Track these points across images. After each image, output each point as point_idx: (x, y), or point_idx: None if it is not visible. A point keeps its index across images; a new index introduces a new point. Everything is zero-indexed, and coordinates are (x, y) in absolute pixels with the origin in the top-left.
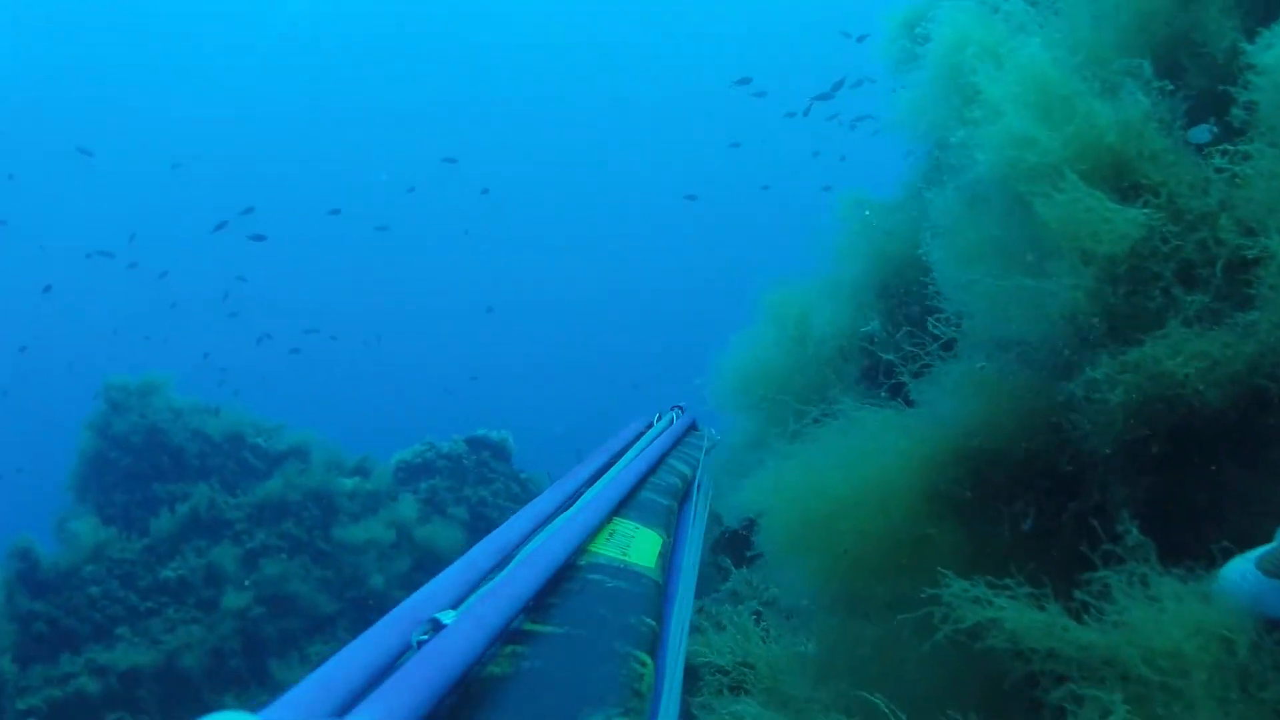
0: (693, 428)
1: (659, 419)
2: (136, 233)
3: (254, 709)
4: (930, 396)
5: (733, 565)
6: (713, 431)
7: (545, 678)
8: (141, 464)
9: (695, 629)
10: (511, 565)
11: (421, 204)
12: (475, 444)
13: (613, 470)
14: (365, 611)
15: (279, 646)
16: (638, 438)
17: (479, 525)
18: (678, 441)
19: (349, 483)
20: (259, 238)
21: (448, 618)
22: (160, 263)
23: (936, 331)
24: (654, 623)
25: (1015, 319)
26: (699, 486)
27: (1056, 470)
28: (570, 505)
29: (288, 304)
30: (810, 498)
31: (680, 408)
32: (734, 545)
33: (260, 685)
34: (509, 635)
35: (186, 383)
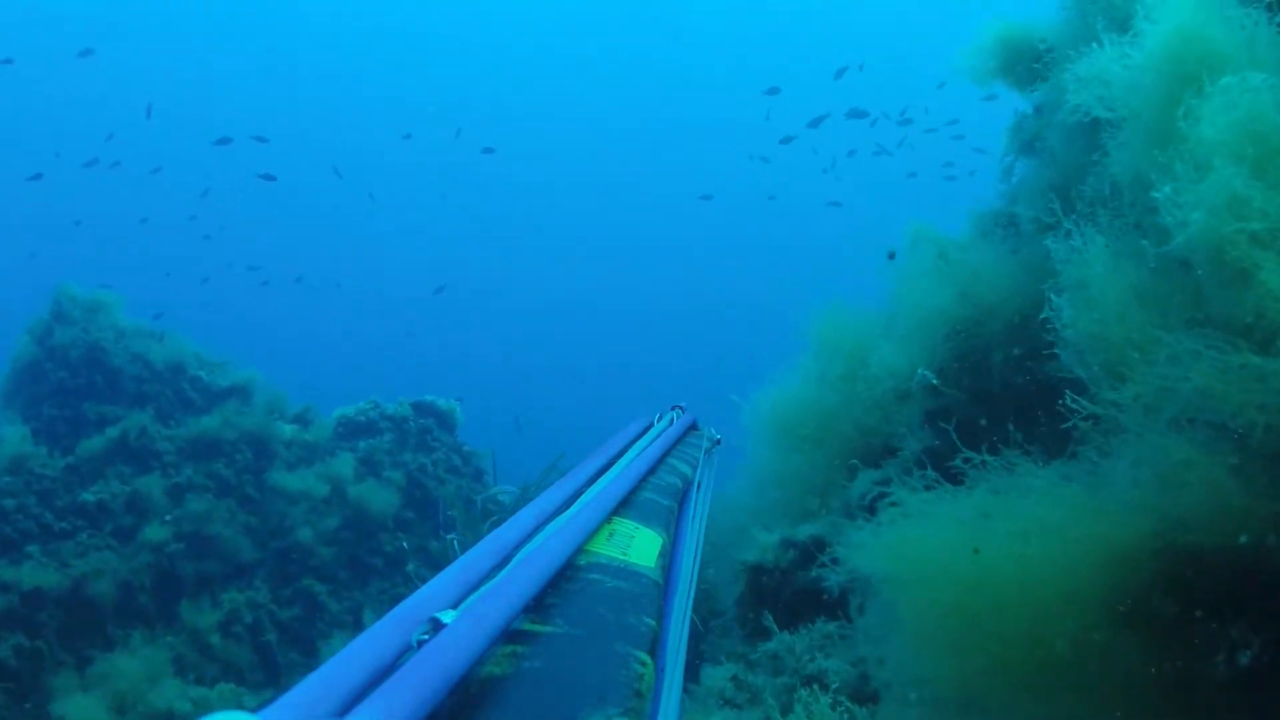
0: (693, 428)
1: (659, 419)
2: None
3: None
4: (1110, 473)
5: (775, 625)
6: (712, 431)
7: (545, 678)
8: (76, 380)
9: (731, 704)
10: (511, 565)
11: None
12: (421, 409)
13: (613, 470)
14: (286, 564)
15: (193, 588)
16: (638, 438)
17: (414, 493)
18: (678, 441)
19: (288, 429)
20: (269, 177)
21: (448, 618)
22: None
23: (1074, 402)
24: (654, 622)
25: (1230, 398)
26: (699, 486)
27: None
28: (570, 505)
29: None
30: (957, 577)
31: (680, 408)
32: (761, 596)
33: (167, 625)
34: (509, 635)
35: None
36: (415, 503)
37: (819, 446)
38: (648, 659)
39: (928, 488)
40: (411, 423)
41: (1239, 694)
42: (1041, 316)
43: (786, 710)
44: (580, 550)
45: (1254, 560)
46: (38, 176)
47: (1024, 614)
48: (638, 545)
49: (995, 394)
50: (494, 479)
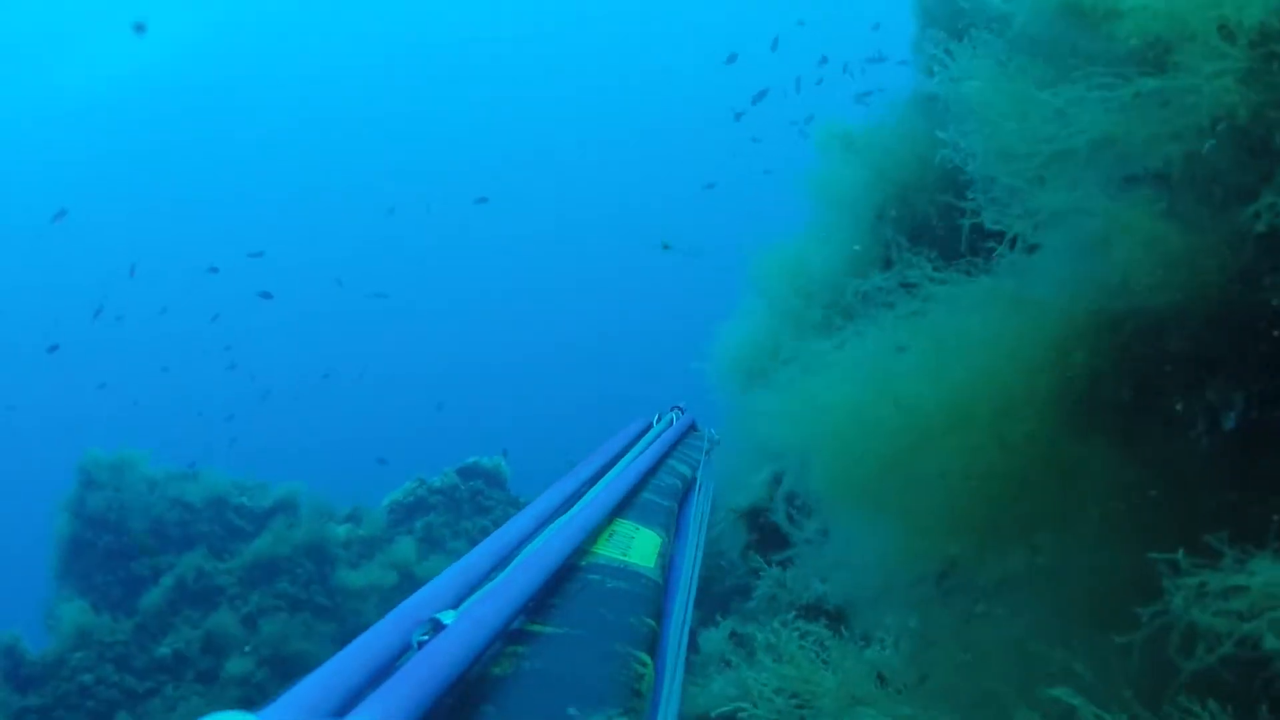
0: (692, 428)
1: (659, 420)
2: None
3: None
4: (1042, 265)
5: (764, 562)
6: (712, 432)
7: (545, 678)
8: (121, 541)
9: (731, 666)
10: (512, 566)
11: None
12: (467, 473)
13: (613, 471)
14: None
15: None
16: (638, 438)
17: None
18: (678, 442)
19: (342, 530)
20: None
21: (448, 618)
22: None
23: (994, 222)
24: (654, 623)
25: (1135, 135)
26: (699, 487)
27: (1260, 335)
28: (570, 506)
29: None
30: (877, 421)
31: (680, 408)
32: (764, 538)
33: None
34: (509, 635)
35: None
36: None
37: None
38: (648, 659)
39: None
40: (461, 489)
41: (1231, 461)
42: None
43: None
44: (580, 551)
45: (1217, 309)
46: (54, 348)
47: (961, 446)
48: (638, 546)
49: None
50: None
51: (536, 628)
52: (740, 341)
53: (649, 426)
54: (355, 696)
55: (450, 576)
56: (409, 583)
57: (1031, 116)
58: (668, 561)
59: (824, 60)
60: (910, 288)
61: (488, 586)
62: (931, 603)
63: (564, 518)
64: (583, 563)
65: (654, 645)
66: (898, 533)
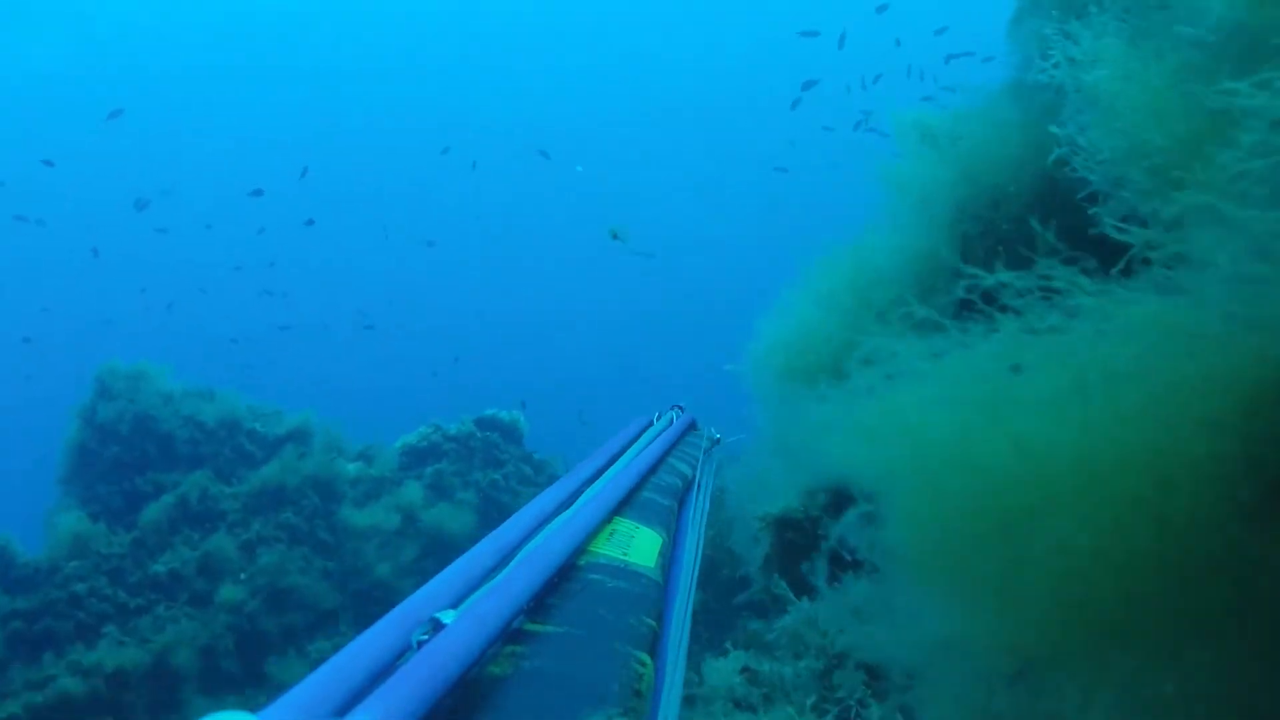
0: (692, 427)
1: (659, 418)
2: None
3: (254, 709)
4: (1198, 289)
5: (790, 590)
6: (712, 431)
7: (545, 678)
8: (129, 454)
9: (743, 705)
10: (512, 565)
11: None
12: (484, 424)
13: (613, 470)
14: (370, 604)
15: (278, 643)
16: (638, 437)
17: (489, 510)
18: (678, 441)
19: (352, 468)
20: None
21: (448, 618)
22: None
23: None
24: (654, 623)
25: None
26: (699, 486)
27: None
28: (570, 505)
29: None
30: (985, 463)
31: (680, 407)
32: (789, 553)
33: (256, 687)
34: (509, 635)
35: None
36: (491, 520)
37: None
38: (648, 659)
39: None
40: (476, 439)
41: None
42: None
43: (820, 712)
44: (580, 550)
45: None
46: (95, 252)
47: (1099, 516)
48: (638, 545)
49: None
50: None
51: (536, 627)
52: (785, 339)
53: (649, 425)
54: (355, 696)
55: (450, 576)
56: (411, 527)
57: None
58: (668, 561)
59: (898, 42)
60: (1049, 293)
61: (488, 586)
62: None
63: (564, 517)
64: (583, 562)
65: (654, 645)
66: (985, 609)
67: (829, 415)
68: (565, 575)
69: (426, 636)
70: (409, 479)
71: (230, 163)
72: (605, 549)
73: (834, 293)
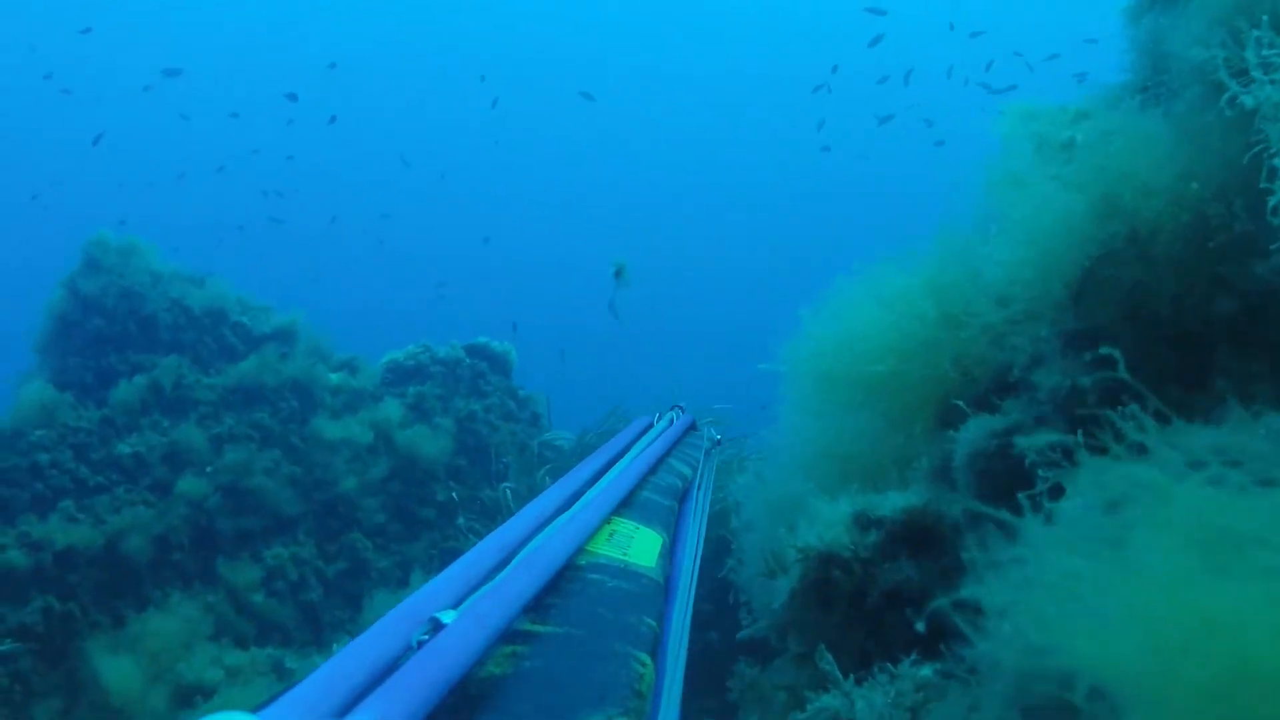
0: (692, 427)
1: (659, 419)
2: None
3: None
4: None
5: (836, 667)
6: (712, 432)
7: (545, 678)
8: (111, 329)
9: None
10: (512, 565)
11: None
12: (474, 351)
13: (613, 470)
14: (331, 518)
15: (232, 545)
16: (638, 438)
17: (467, 440)
18: (678, 441)
19: (334, 377)
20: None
21: (448, 618)
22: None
23: None
24: (654, 623)
25: None
26: (699, 486)
27: None
28: (571, 505)
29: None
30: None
31: (680, 408)
32: (827, 601)
33: (206, 583)
34: (509, 635)
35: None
36: (468, 450)
37: (893, 395)
38: (648, 659)
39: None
40: (464, 366)
41: None
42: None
43: None
44: (580, 550)
45: None
46: (99, 138)
47: None
48: (638, 545)
49: (1175, 325)
50: (549, 423)
51: (536, 627)
52: (836, 341)
53: (649, 426)
54: (355, 696)
55: (450, 576)
56: (384, 445)
57: None
58: (668, 561)
59: (952, 26)
60: None
61: (488, 586)
62: None
63: (564, 517)
64: (583, 562)
65: (654, 645)
66: None
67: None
68: (565, 575)
69: (426, 636)
70: (390, 396)
71: (263, 55)
72: (605, 549)
73: (908, 297)
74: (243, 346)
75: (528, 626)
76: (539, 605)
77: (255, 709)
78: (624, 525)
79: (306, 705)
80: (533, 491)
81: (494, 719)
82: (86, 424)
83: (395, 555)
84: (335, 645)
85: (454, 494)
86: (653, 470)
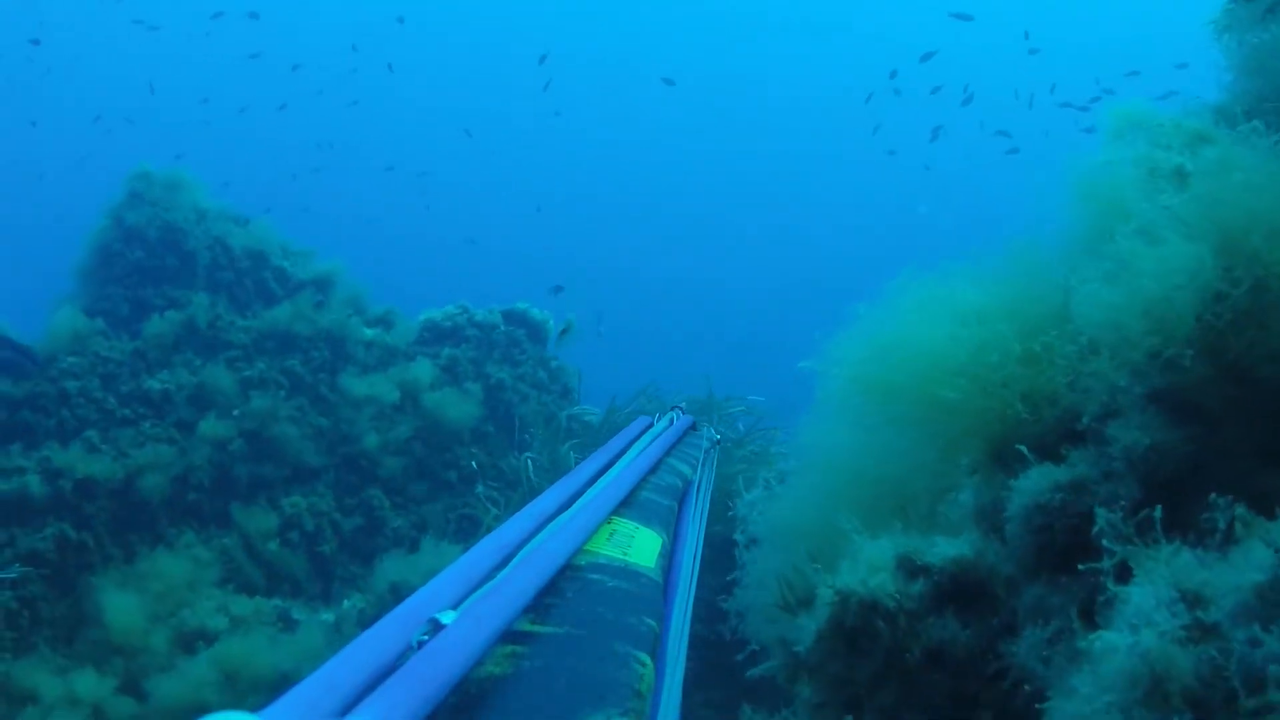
0: (693, 428)
1: (659, 419)
2: None
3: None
4: None
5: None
6: (712, 432)
7: (545, 678)
8: (150, 261)
9: None
10: (512, 565)
11: None
12: (512, 318)
13: (613, 470)
14: (351, 472)
15: (249, 490)
16: (638, 438)
17: (496, 407)
18: (678, 442)
19: (369, 332)
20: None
21: (448, 618)
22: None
23: None
24: (654, 623)
25: None
26: (699, 486)
27: None
28: (571, 505)
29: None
30: None
31: (680, 408)
32: (894, 665)
33: (220, 527)
34: (509, 635)
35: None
36: (496, 417)
37: (951, 420)
38: (648, 659)
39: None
40: (499, 332)
41: None
42: None
43: None
44: (580, 550)
45: None
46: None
47: None
48: (638, 545)
49: None
50: (579, 397)
51: (536, 628)
52: (897, 353)
53: (649, 426)
54: (356, 696)
55: (450, 576)
56: (411, 405)
57: None
58: (668, 561)
59: (1027, 34)
60: None
61: (488, 586)
62: None
63: (564, 517)
64: (583, 562)
65: (654, 645)
66: None
67: None
68: (565, 575)
69: (426, 637)
70: (423, 356)
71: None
72: (605, 549)
73: (987, 319)
74: (280, 291)
75: (528, 626)
76: (539, 605)
77: (256, 709)
78: (624, 525)
79: (306, 705)
80: (556, 464)
81: (494, 719)
82: (118, 355)
83: (412, 515)
84: (345, 601)
85: (475, 461)
86: (653, 470)
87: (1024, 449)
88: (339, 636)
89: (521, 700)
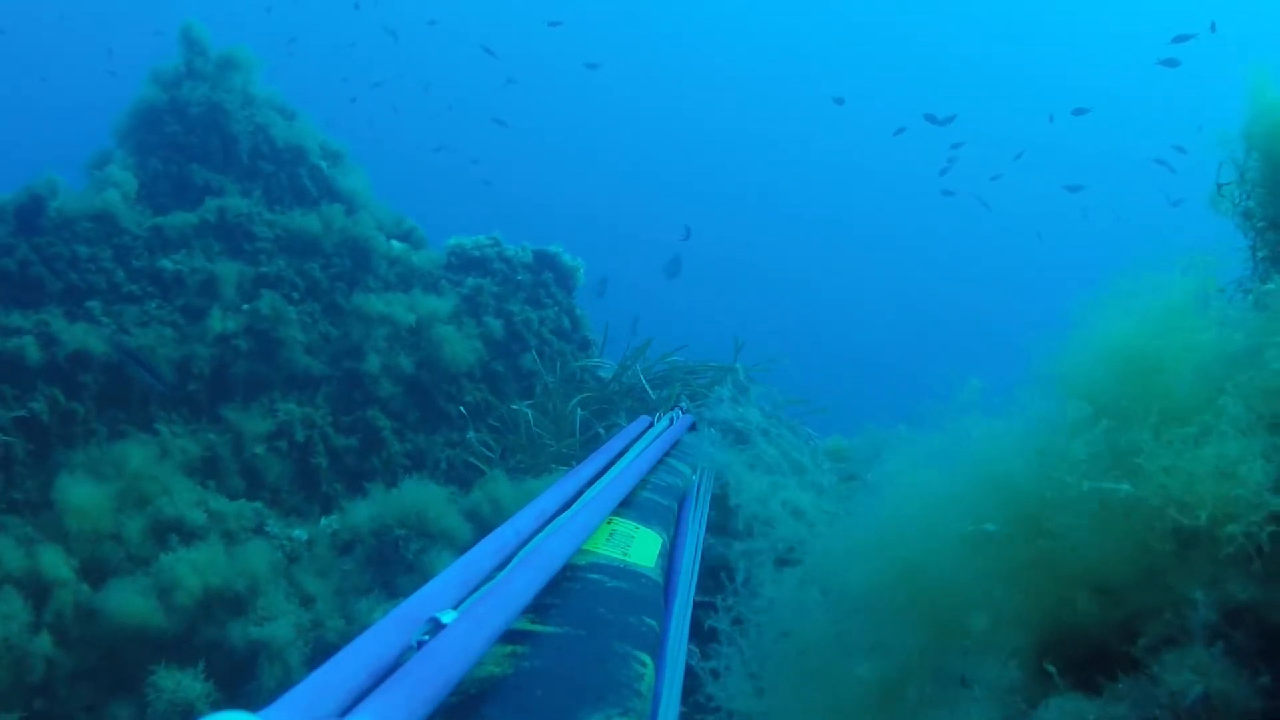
0: (693, 428)
1: (659, 419)
2: None
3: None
4: None
5: None
6: (712, 433)
7: (545, 678)
8: (189, 139)
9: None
10: (512, 565)
11: None
12: (543, 259)
13: (613, 470)
14: (355, 389)
15: (247, 389)
16: (638, 438)
17: (512, 346)
18: (678, 442)
19: (397, 246)
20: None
21: (448, 618)
22: None
23: None
24: (654, 623)
25: None
26: (699, 487)
27: None
28: (571, 505)
29: None
30: None
31: (681, 409)
32: None
33: (211, 421)
34: (509, 635)
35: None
36: (511, 355)
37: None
38: (648, 659)
39: None
40: (529, 270)
41: None
42: None
43: None
44: (580, 550)
45: None
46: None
47: None
48: (638, 545)
49: None
50: (599, 351)
51: (536, 627)
52: (1142, 356)
53: (649, 426)
54: (356, 696)
55: (450, 576)
56: (426, 334)
57: None
58: (668, 561)
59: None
60: None
61: (488, 586)
62: None
63: (564, 517)
64: (583, 562)
65: (654, 645)
66: None
67: None
68: (565, 575)
69: (427, 636)
70: (445, 282)
71: None
72: (605, 549)
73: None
74: (315, 192)
75: (528, 626)
76: (539, 605)
77: (257, 710)
78: (624, 525)
79: (307, 705)
80: (560, 420)
81: (494, 719)
82: (135, 229)
83: (409, 443)
84: (323, 520)
85: (478, 399)
86: (653, 470)
87: (1050, 668)
88: (297, 562)
89: (521, 700)
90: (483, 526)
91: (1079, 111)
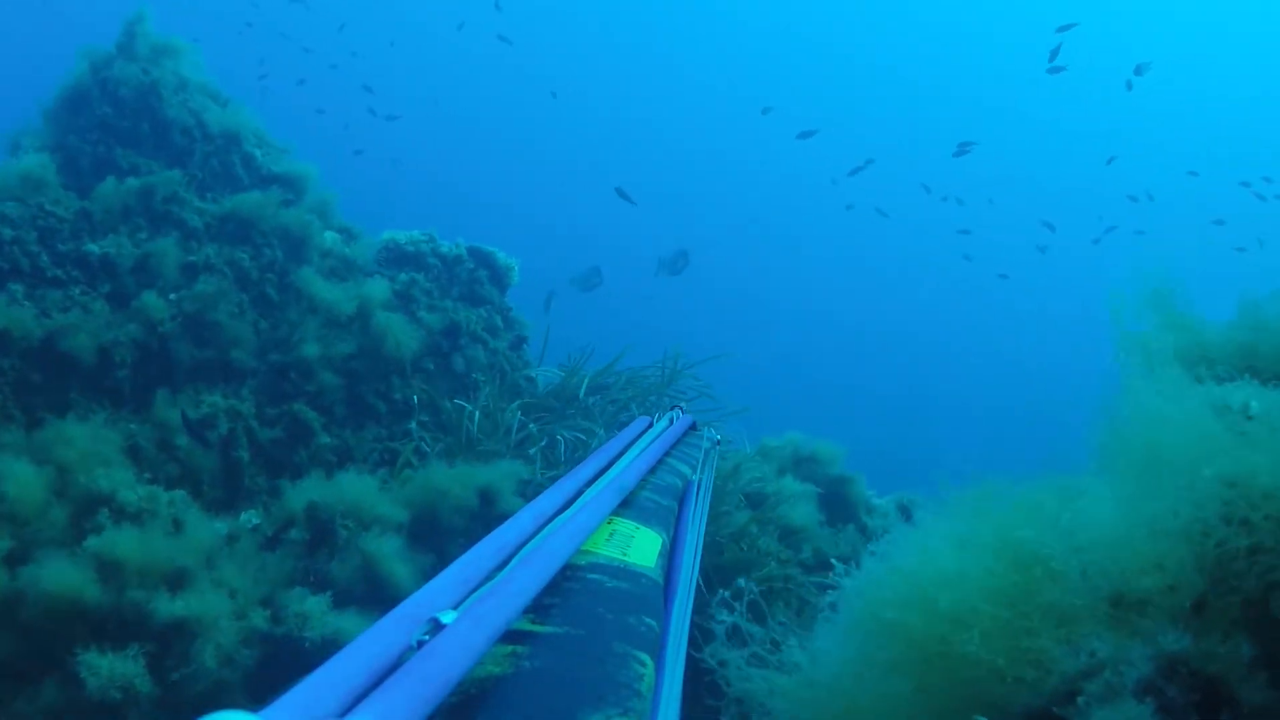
0: (692, 428)
1: (658, 419)
2: None
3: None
4: None
5: None
6: (712, 433)
7: (545, 678)
8: (120, 121)
9: None
10: (511, 565)
11: None
12: (477, 256)
13: (613, 470)
14: (282, 381)
15: (173, 380)
16: (638, 438)
17: (443, 344)
18: (678, 442)
19: (330, 236)
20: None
21: (448, 618)
22: None
23: None
24: (654, 623)
25: None
26: (699, 487)
27: None
28: (570, 505)
29: None
30: None
31: (681, 408)
32: None
33: (135, 410)
34: (509, 635)
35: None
36: (442, 354)
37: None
38: (648, 659)
39: None
40: (463, 267)
41: None
42: None
43: None
44: (580, 550)
45: None
46: None
47: None
48: (638, 545)
49: None
50: (539, 358)
51: (536, 628)
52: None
53: (649, 426)
54: (356, 697)
55: (450, 576)
56: (362, 325)
57: None
58: (668, 561)
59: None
60: None
61: (488, 586)
62: None
63: (564, 517)
64: (583, 562)
65: (654, 645)
66: None
67: None
68: (565, 575)
69: (427, 636)
70: (380, 275)
71: None
72: (605, 549)
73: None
74: (247, 180)
75: (527, 626)
76: (539, 605)
77: (256, 710)
78: (624, 525)
79: (307, 705)
80: (497, 424)
81: (494, 719)
82: (62, 211)
83: (335, 438)
84: (243, 513)
85: (415, 396)
86: (652, 470)
87: None
88: (216, 555)
89: (521, 700)
90: (430, 514)
91: (961, 151)
